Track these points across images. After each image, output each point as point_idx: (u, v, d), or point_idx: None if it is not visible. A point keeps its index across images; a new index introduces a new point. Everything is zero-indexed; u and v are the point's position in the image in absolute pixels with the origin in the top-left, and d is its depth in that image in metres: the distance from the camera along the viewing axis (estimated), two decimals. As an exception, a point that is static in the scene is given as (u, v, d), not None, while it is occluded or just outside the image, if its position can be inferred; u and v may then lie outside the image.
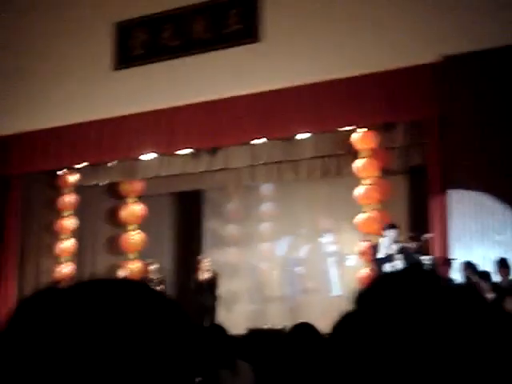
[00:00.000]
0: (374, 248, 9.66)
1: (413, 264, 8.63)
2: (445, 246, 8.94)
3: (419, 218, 10.47)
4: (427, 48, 9.01)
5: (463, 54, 8.76)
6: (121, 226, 13.55)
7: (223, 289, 12.21)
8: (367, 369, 0.86)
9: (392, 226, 9.59)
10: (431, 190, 9.30)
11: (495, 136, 8.61)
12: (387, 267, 9.35)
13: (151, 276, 12.69)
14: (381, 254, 9.45)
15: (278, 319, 11.78)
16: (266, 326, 11.23)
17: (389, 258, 9.35)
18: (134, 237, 13.31)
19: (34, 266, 12.81)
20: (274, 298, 13.31)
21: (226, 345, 4.16)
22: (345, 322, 0.95)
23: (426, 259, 9.22)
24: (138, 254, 13.33)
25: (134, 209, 13.39)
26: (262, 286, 13.51)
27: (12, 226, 12.31)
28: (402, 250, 9.39)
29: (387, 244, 9.44)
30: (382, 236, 9.73)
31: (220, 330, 4.34)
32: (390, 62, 9.33)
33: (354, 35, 9.54)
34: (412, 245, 9.80)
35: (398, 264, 9.27)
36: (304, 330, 3.57)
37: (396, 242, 9.44)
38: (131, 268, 12.88)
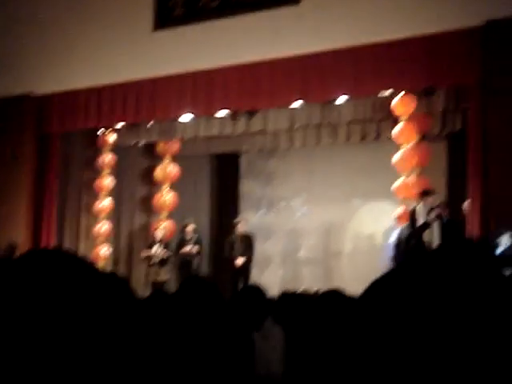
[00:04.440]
0: (413, 216, 9.49)
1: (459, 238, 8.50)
2: (483, 214, 8.84)
3: (458, 184, 10.36)
4: (470, 12, 8.80)
5: (506, 18, 8.55)
6: (156, 185, 13.69)
7: (257, 251, 12.29)
8: (395, 335, 0.87)
9: (428, 192, 9.45)
10: (471, 155, 9.17)
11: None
12: (425, 235, 9.23)
13: (188, 236, 12.83)
14: (419, 222, 9.30)
15: (311, 283, 11.82)
16: (299, 290, 11.28)
17: (427, 226, 9.22)
18: (166, 196, 13.44)
19: (73, 224, 13.04)
20: (307, 261, 13.35)
21: (258, 307, 4.19)
22: (376, 288, 0.95)
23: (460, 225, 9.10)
24: (169, 214, 13.46)
25: (168, 168, 13.50)
26: (296, 250, 13.55)
27: (51, 184, 12.51)
28: (439, 217, 9.26)
29: (424, 211, 9.31)
30: (418, 202, 9.58)
31: (254, 291, 4.35)
32: (431, 25, 9.14)
33: (396, -2, 9.37)
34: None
35: (436, 231, 9.15)
36: (333, 296, 3.59)
37: (432, 208, 9.31)
38: (163, 227, 13.01)
